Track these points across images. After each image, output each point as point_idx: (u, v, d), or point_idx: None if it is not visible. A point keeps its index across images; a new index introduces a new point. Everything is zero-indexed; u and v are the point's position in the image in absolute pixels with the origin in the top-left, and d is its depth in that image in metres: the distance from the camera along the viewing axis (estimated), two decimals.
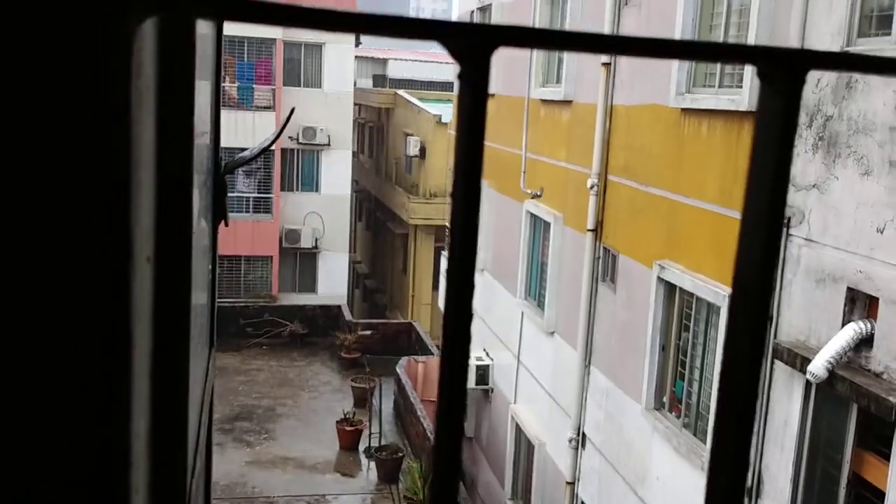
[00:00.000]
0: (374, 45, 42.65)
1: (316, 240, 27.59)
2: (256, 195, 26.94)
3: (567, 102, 12.29)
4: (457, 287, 0.48)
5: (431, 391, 18.68)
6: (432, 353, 21.22)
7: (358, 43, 29.01)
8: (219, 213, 1.58)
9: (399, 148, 29.65)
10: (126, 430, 0.54)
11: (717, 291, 8.31)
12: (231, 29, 25.17)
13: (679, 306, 9.33)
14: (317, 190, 27.93)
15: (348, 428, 17.82)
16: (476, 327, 16.95)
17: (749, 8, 8.04)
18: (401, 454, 17.00)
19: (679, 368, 9.41)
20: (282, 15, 0.51)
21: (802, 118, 7.30)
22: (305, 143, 27.05)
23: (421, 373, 19.77)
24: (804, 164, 7.17)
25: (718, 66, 8.76)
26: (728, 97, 8.37)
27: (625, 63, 10.67)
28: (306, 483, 16.63)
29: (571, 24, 12.14)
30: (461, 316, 0.51)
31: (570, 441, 11.72)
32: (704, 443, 8.66)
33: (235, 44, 26.04)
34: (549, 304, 12.82)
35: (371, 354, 22.75)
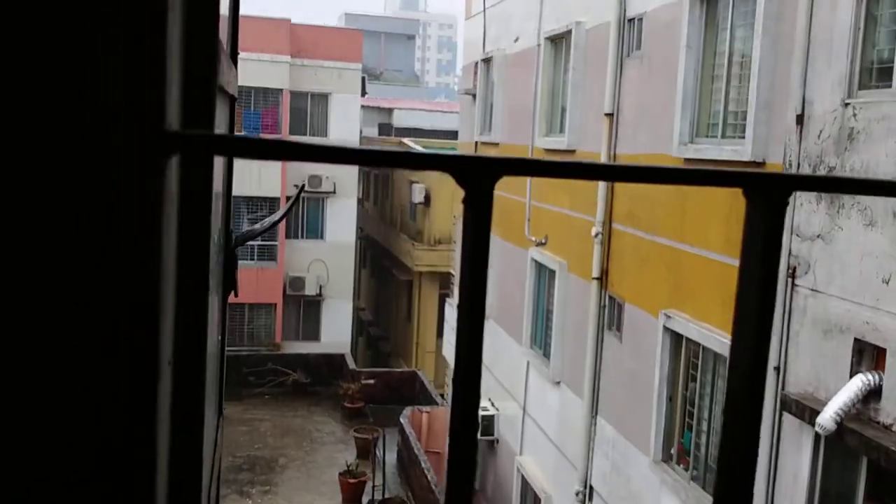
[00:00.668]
0: (380, 95, 43.14)
1: (320, 287, 27.61)
2: (261, 242, 27.03)
3: (570, 151, 12.39)
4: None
5: (436, 442, 18.52)
6: (437, 403, 21.08)
7: (364, 93, 29.33)
8: (229, 284, 1.61)
9: (404, 196, 29.81)
10: None
11: (723, 341, 8.28)
12: (238, 78, 25.49)
13: (686, 356, 9.30)
14: (322, 237, 28.03)
15: (351, 480, 17.64)
16: (481, 376, 16.81)
17: (750, 60, 8.15)
18: None
19: (687, 419, 9.34)
20: (295, 151, 0.54)
21: (805, 168, 7.35)
22: (311, 191, 27.21)
23: (425, 423, 19.60)
24: (808, 214, 7.20)
25: (721, 116, 8.86)
26: (731, 147, 8.44)
27: (628, 113, 10.78)
28: None
29: (574, 74, 12.29)
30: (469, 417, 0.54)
31: (577, 494, 11.58)
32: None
33: (243, 93, 26.35)
34: (555, 353, 12.77)
35: (374, 404, 22.61)
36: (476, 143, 16.52)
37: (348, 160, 0.56)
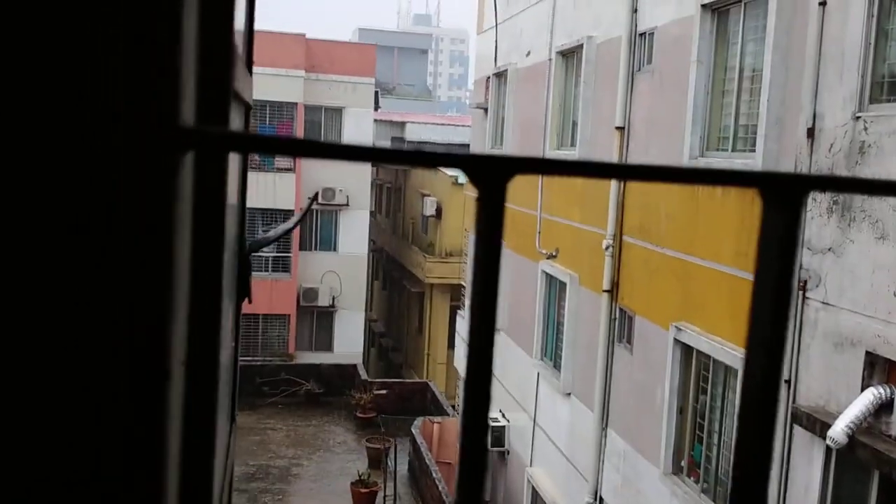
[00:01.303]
0: (393, 109, 43.28)
1: (333, 298, 27.67)
2: (275, 254, 27.12)
3: None
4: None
5: (447, 453, 18.49)
6: (448, 414, 21.05)
7: (377, 107, 29.45)
8: (242, 291, 1.63)
9: (416, 208, 29.87)
10: None
11: (734, 354, 8.25)
12: (253, 92, 25.64)
13: (696, 368, 9.27)
14: (334, 249, 28.11)
15: (363, 490, 17.62)
16: (492, 388, 16.79)
17: (761, 74, 8.15)
18: None
19: (697, 432, 9.30)
20: (313, 149, 0.55)
21: None
22: (324, 203, 27.31)
23: (436, 434, 19.58)
24: (819, 227, 7.18)
25: (732, 130, 8.86)
26: (742, 160, 8.43)
27: (638, 126, 10.79)
28: None
29: (585, 88, 12.30)
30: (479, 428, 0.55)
31: None
32: None
33: (258, 107, 26.51)
34: (566, 365, 12.74)
35: (386, 414, 22.60)
36: None
37: (360, 158, 0.57)
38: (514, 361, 15.14)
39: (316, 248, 27.95)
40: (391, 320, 33.06)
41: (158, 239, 0.51)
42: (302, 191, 26.39)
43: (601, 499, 11.41)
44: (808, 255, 7.26)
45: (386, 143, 38.50)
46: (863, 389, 6.49)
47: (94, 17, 0.50)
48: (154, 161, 0.49)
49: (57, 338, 0.52)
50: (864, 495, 6.64)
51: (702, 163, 9.12)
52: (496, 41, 16.53)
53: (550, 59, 13.70)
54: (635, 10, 10.84)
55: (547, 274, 13.64)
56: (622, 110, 11.03)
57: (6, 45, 0.49)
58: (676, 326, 9.40)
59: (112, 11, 0.50)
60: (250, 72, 1.56)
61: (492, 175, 0.59)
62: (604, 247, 11.22)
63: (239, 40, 1.38)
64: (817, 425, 6.82)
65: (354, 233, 28.18)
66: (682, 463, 9.52)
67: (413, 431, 19.50)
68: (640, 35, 10.79)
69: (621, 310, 11.06)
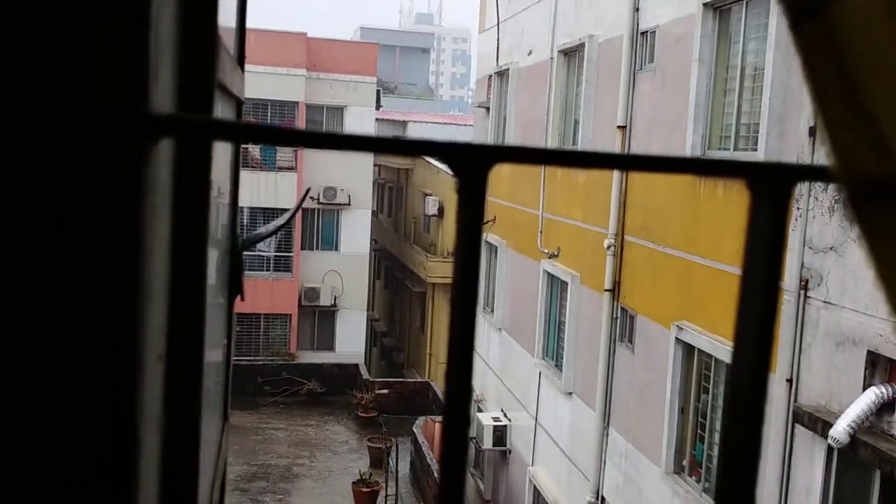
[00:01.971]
0: (395, 108, 43.29)
1: (335, 298, 27.67)
2: (276, 254, 27.14)
3: None
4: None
5: None
6: None
7: (379, 106, 29.45)
8: (235, 289, 1.62)
9: (418, 207, 29.87)
10: None
11: None
12: (254, 91, 25.69)
13: (698, 367, 9.25)
14: (336, 249, 28.12)
15: (364, 489, 17.62)
16: (494, 387, 16.85)
17: (763, 73, 8.13)
18: None
19: (699, 431, 9.29)
20: (292, 137, 0.54)
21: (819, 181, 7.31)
22: (326, 203, 27.32)
23: (438, 433, 19.60)
24: (821, 226, 7.17)
25: (733, 128, 8.84)
26: (744, 159, 8.41)
27: (640, 125, 10.77)
28: None
29: (587, 87, 12.29)
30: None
31: None
32: None
33: (259, 106, 26.52)
34: (567, 365, 12.73)
35: (388, 414, 22.61)
36: None
37: (339, 146, 0.56)
38: (515, 361, 15.13)
39: (318, 248, 27.96)
40: (393, 320, 33.06)
41: (125, 228, 0.49)
42: (303, 190, 26.40)
43: (603, 498, 11.40)
44: (810, 254, 7.25)
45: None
46: (864, 389, 6.47)
47: None
48: (120, 147, 0.48)
49: (16, 331, 0.50)
50: (866, 495, 6.62)
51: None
52: (498, 40, 16.52)
53: (552, 58, 13.69)
54: (637, 9, 10.83)
55: (548, 273, 13.63)
56: (624, 109, 11.02)
57: None
58: (678, 325, 9.39)
59: None
60: (242, 68, 1.55)
61: (472, 164, 0.58)
62: (605, 246, 11.21)
63: (230, 36, 1.37)
64: (819, 425, 6.80)
65: (356, 232, 28.18)
66: (684, 462, 9.51)
67: (415, 431, 19.50)
68: (642, 34, 10.78)
69: (623, 309, 11.05)
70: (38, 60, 0.48)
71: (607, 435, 11.32)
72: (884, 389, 6.31)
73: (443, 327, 27.51)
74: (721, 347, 8.53)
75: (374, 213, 31.32)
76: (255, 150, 26.01)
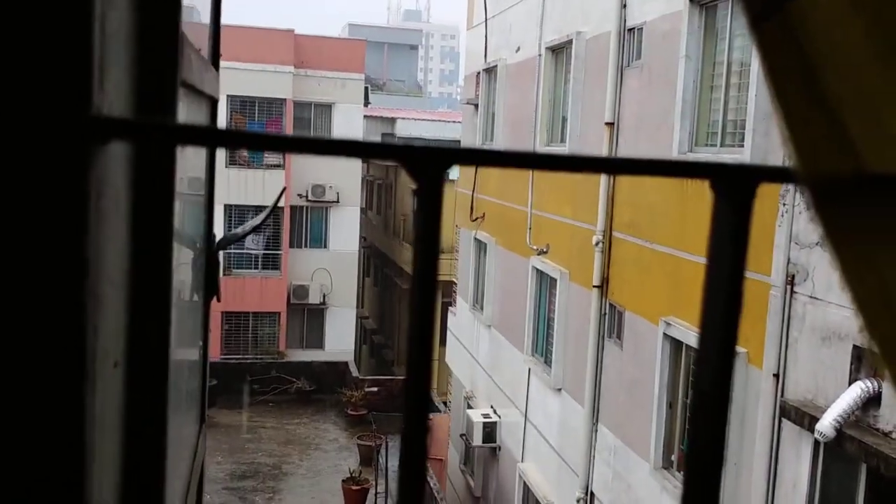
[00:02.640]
0: (383, 105, 43.23)
1: (324, 296, 27.63)
2: (265, 252, 27.08)
3: None
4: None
5: (437, 449, 18.49)
6: (439, 411, 21.05)
7: (367, 103, 29.41)
8: (211, 289, 1.60)
9: (407, 204, 29.84)
10: None
11: None
12: (241, 88, 25.61)
13: (686, 363, 9.28)
14: (325, 246, 28.07)
15: (354, 487, 17.62)
16: (483, 384, 16.85)
17: (749, 69, 8.15)
18: None
19: (687, 426, 9.30)
20: (264, 141, 0.53)
21: None
22: (314, 200, 27.27)
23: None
24: (806, 222, 7.19)
25: (720, 125, 8.85)
26: (730, 156, 8.43)
27: (628, 122, 10.79)
28: None
29: (575, 84, 12.30)
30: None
31: (579, 501, 11.55)
32: None
33: (246, 104, 26.44)
34: (556, 361, 12.75)
35: (378, 411, 22.60)
36: None
37: (297, 149, 0.55)
38: (505, 357, 15.14)
39: (306, 246, 27.91)
40: (383, 317, 33.03)
41: (68, 231, 0.48)
42: (292, 188, 26.34)
43: (592, 494, 11.43)
44: (796, 249, 7.27)
45: (376, 139, 38.33)
46: (850, 383, 6.50)
47: None
48: (60, 150, 0.47)
49: None
50: (853, 488, 6.66)
51: (691, 157, 9.12)
52: (486, 37, 16.51)
53: (540, 55, 13.69)
54: (624, 6, 10.83)
55: (538, 270, 13.64)
56: (611, 106, 11.03)
57: None
58: (665, 321, 9.41)
59: None
60: (216, 66, 1.54)
61: (428, 166, 0.57)
62: (594, 243, 11.22)
63: (202, 34, 1.35)
64: (805, 419, 6.83)
65: (345, 230, 28.14)
66: (672, 457, 9.54)
67: None
68: (629, 30, 10.78)
69: (611, 305, 11.07)
70: None
71: (596, 431, 11.34)
72: (869, 384, 6.34)
73: None
74: None
75: (362, 211, 31.28)
76: None
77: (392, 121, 36.82)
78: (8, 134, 0.46)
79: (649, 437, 9.72)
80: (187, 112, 1.06)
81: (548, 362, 13.21)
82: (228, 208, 24.48)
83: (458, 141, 24.99)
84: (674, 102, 9.39)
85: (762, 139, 7.87)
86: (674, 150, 9.31)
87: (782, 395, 7.32)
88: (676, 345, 9.37)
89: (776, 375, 7.40)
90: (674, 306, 9.38)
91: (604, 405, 11.21)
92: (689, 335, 8.96)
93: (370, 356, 32.78)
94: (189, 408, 1.42)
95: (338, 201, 27.64)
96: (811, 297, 7.08)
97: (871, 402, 6.34)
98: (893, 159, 0.52)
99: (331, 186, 27.24)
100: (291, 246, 27.34)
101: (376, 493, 17.46)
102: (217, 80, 1.47)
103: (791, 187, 7.30)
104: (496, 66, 15.96)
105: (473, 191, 16.51)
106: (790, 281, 7.30)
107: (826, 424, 6.38)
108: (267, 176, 26.20)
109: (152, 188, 0.73)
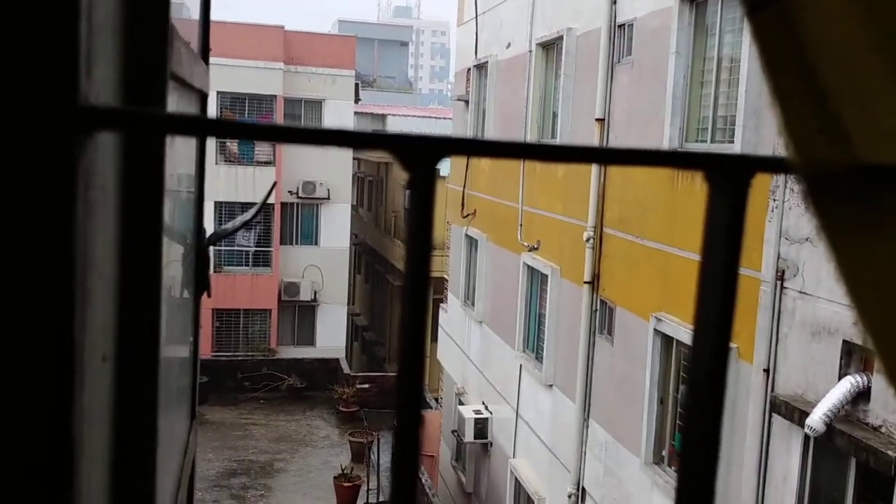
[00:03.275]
0: (373, 101, 43.15)
1: (315, 293, 27.59)
2: (256, 249, 27.03)
3: None
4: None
5: (429, 445, 18.50)
6: (430, 407, 21.06)
7: (357, 99, 29.36)
8: (201, 285, 1.59)
9: (398, 201, 29.82)
10: None
11: None
12: (231, 85, 25.53)
13: (676, 358, 9.30)
14: (316, 243, 28.03)
15: (346, 484, 17.61)
16: (474, 380, 16.85)
17: (739, 65, 8.16)
18: None
19: (678, 421, 9.34)
20: (255, 131, 0.52)
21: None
22: (305, 197, 27.22)
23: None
24: (797, 217, 7.21)
25: (710, 120, 8.87)
26: (720, 151, 8.44)
27: (618, 117, 10.79)
28: None
29: (565, 80, 12.30)
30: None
31: (570, 496, 11.57)
32: None
33: (237, 100, 26.36)
34: (548, 357, 12.77)
35: (369, 408, 22.59)
36: None
37: (287, 139, 0.55)
38: (496, 354, 15.15)
39: (297, 243, 27.86)
40: (374, 314, 33.01)
41: (53, 223, 0.47)
42: (283, 184, 26.30)
43: (583, 489, 11.45)
44: (786, 244, 7.29)
45: None
46: (840, 378, 6.53)
47: None
48: (47, 140, 0.46)
49: None
50: (842, 482, 6.69)
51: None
52: (476, 33, 16.49)
53: (531, 51, 13.68)
54: (615, 2, 10.84)
55: (529, 266, 13.65)
56: (602, 102, 11.03)
57: None
58: (656, 317, 9.43)
59: None
60: (206, 61, 1.53)
61: (420, 157, 0.57)
62: (585, 239, 11.23)
63: (192, 29, 1.34)
64: (796, 414, 6.86)
65: (336, 226, 28.10)
66: (663, 452, 9.57)
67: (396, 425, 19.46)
68: (620, 26, 10.79)
69: (602, 301, 11.08)
70: None
71: (587, 426, 11.37)
72: (859, 378, 6.36)
73: None
74: None
75: (353, 208, 31.23)
76: (232, 144, 25.87)
77: (383, 117, 36.78)
78: None
79: (640, 433, 9.74)
80: (177, 105, 1.05)
81: (539, 358, 13.23)
82: (219, 205, 24.42)
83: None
84: (664, 98, 9.40)
85: (752, 134, 7.89)
86: (664, 145, 9.32)
87: (772, 390, 7.35)
88: (667, 340, 9.40)
89: (766, 370, 7.42)
90: (664, 302, 9.40)
91: (595, 401, 11.23)
92: (680, 331, 8.98)
93: (361, 353, 32.76)
94: (180, 404, 1.41)
95: (329, 198, 27.60)
96: (801, 292, 7.11)
97: (861, 396, 6.37)
98: (888, 150, 0.51)
99: (322, 183, 27.20)
100: (282, 243, 27.30)
101: (368, 490, 17.46)
102: (207, 74, 1.46)
103: (781, 183, 7.32)
104: (487, 62, 15.95)
105: (464, 187, 16.51)
106: (780, 276, 7.33)
107: (816, 419, 6.41)
108: (258, 173, 26.15)
109: (141, 179, 0.72)
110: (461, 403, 16.63)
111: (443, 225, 22.20)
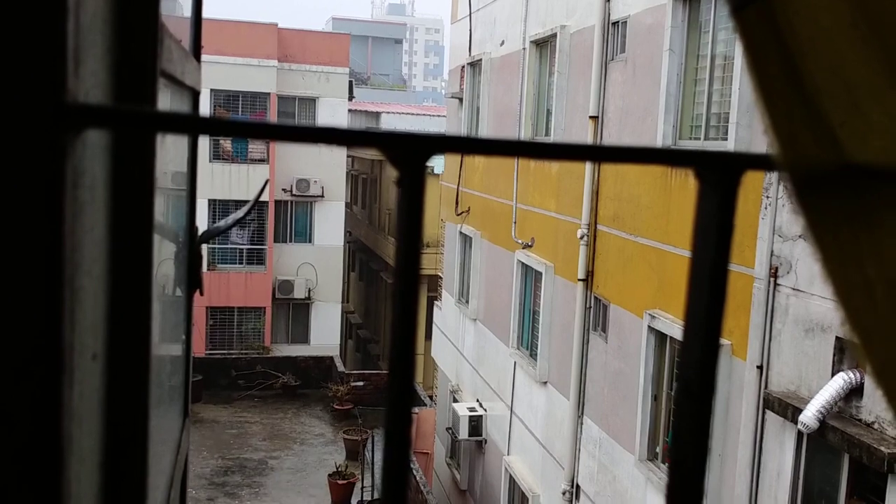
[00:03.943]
0: (367, 99, 43.10)
1: (309, 290, 27.57)
2: (249, 247, 26.99)
3: None
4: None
5: (424, 443, 18.51)
6: (425, 405, 21.07)
7: (351, 97, 29.33)
8: (193, 282, 1.59)
9: (392, 199, 29.79)
10: None
11: None
12: (225, 82, 25.49)
13: (670, 355, 9.32)
14: (310, 241, 28.00)
15: (340, 481, 17.60)
16: (469, 377, 16.86)
17: (733, 62, 8.17)
18: None
19: (672, 418, 9.35)
20: (245, 129, 0.52)
21: None
22: (299, 195, 27.18)
23: (413, 424, 19.59)
24: (790, 214, 7.22)
25: (704, 118, 8.88)
26: (714, 148, 8.45)
27: (612, 115, 10.80)
28: None
29: (559, 77, 12.30)
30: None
31: (564, 493, 11.59)
32: None
33: (231, 98, 26.30)
34: (542, 354, 12.78)
35: (363, 406, 22.58)
36: None
37: (279, 137, 0.55)
38: (490, 351, 15.16)
39: (291, 241, 27.83)
40: (368, 312, 33.00)
41: (43, 221, 0.47)
42: (276, 182, 26.27)
43: (577, 486, 11.47)
44: (779, 241, 7.31)
45: None
46: (833, 374, 6.55)
47: None
48: (33, 138, 0.46)
49: None
50: (836, 478, 6.71)
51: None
52: (470, 30, 16.49)
53: (524, 49, 13.68)
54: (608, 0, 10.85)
55: (523, 263, 13.66)
56: (596, 99, 11.04)
57: None
58: (650, 314, 9.45)
59: None
60: (198, 59, 1.52)
61: (409, 154, 0.57)
62: (578, 236, 11.24)
63: (183, 26, 1.34)
64: (789, 410, 6.87)
65: (330, 224, 28.07)
66: (657, 449, 9.59)
67: None
68: (613, 24, 10.79)
69: (596, 298, 11.10)
70: None
71: (582, 423, 11.38)
72: (852, 375, 6.38)
73: (418, 318, 27.48)
74: None
75: (347, 205, 31.21)
76: (226, 142, 25.83)
77: (377, 115, 36.74)
78: None
79: (634, 430, 9.76)
80: (168, 103, 1.05)
81: (533, 356, 13.24)
82: (212, 203, 24.39)
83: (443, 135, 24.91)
84: (658, 95, 9.41)
85: (746, 131, 7.90)
86: (658, 142, 9.33)
87: (766, 387, 7.37)
88: (661, 337, 9.41)
89: (760, 367, 7.44)
90: (658, 299, 9.41)
91: (589, 398, 11.24)
92: (674, 328, 8.99)
93: (356, 351, 32.75)
94: (172, 402, 1.41)
95: (322, 196, 27.57)
96: (794, 289, 7.13)
97: (854, 392, 6.40)
98: (874, 148, 0.51)
99: (315, 181, 27.17)
100: (276, 241, 27.27)
101: (363, 487, 17.46)
102: (199, 72, 1.46)
103: (774, 179, 7.33)
104: (481, 59, 15.94)
105: (458, 185, 16.51)
106: (773, 273, 7.34)
107: (809, 415, 6.43)
108: (251, 171, 26.11)
109: (131, 177, 0.72)
110: (455, 401, 16.64)
111: (437, 222, 22.20)
